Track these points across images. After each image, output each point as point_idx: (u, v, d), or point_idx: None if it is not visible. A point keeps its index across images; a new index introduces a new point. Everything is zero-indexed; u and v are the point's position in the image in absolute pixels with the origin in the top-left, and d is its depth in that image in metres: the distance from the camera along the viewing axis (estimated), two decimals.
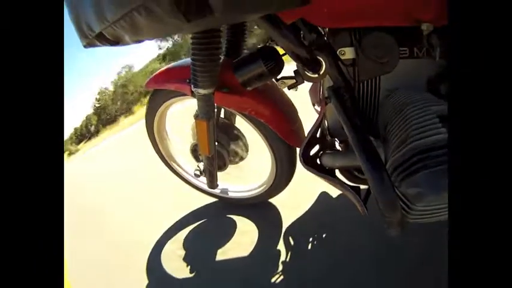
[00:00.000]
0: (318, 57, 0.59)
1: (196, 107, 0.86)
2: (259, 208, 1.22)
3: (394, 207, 0.47)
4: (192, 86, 0.79)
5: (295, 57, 0.59)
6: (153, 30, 0.48)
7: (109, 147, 7.06)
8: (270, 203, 1.22)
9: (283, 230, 1.07)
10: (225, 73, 0.80)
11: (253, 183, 1.23)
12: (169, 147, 1.32)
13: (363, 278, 0.80)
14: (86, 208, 2.31)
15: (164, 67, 1.00)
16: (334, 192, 1.14)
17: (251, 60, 0.71)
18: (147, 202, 1.80)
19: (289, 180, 1.09)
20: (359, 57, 0.59)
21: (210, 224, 1.27)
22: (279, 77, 0.72)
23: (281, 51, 0.69)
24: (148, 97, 1.14)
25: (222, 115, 1.07)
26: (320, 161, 0.73)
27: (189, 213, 1.38)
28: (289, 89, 0.71)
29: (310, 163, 0.69)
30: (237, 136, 1.08)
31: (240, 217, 1.22)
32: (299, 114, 0.98)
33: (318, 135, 0.72)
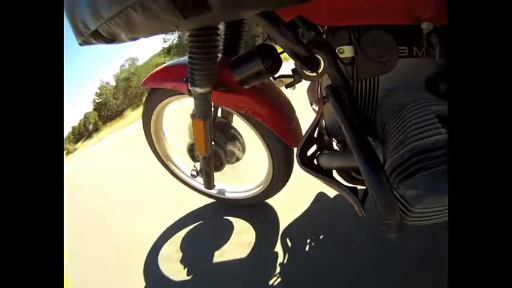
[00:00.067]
0: (317, 56, 0.58)
1: (193, 106, 0.85)
2: (256, 209, 1.21)
3: (393, 210, 0.47)
4: (189, 84, 0.78)
5: (294, 56, 0.58)
6: (149, 27, 0.48)
7: (107, 146, 7.05)
8: (267, 204, 1.22)
9: (281, 230, 1.06)
10: (223, 71, 0.79)
11: (250, 184, 1.22)
12: (166, 147, 1.31)
13: (362, 279, 0.79)
14: (85, 208, 2.30)
15: (161, 66, 0.99)
16: (332, 192, 1.14)
17: (249, 58, 0.71)
18: (145, 203, 1.79)
19: (287, 181, 1.09)
20: (358, 56, 0.59)
21: (207, 225, 1.27)
22: (276, 75, 0.71)
23: (279, 49, 0.68)
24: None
25: (219, 114, 1.07)
26: (317, 161, 0.72)
27: (186, 214, 1.37)
28: (286, 88, 0.70)
29: (307, 164, 0.68)
30: (234, 136, 1.07)
31: (237, 218, 1.21)
32: (296, 113, 0.97)
33: (315, 135, 0.71)
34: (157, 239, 1.28)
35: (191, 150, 1.11)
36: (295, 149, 0.97)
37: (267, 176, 1.09)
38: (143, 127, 1.21)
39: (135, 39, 0.54)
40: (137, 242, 1.33)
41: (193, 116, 0.87)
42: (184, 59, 0.90)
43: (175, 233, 1.27)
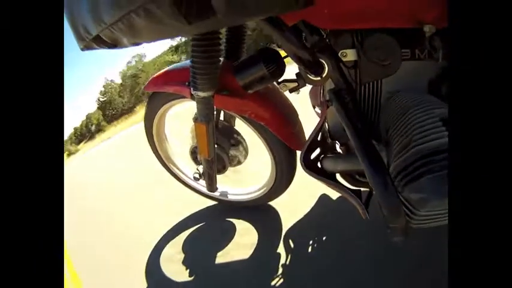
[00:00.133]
0: (321, 60, 0.58)
1: (195, 109, 0.85)
2: (258, 211, 1.21)
3: (398, 213, 0.46)
4: (191, 88, 0.78)
5: (298, 60, 0.58)
6: (152, 32, 0.48)
7: (109, 148, 7.05)
8: (270, 206, 1.22)
9: (283, 232, 1.06)
10: (225, 76, 0.79)
11: (252, 186, 1.22)
12: (169, 150, 1.31)
13: (362, 279, 0.80)
14: (86, 209, 2.31)
15: (163, 69, 0.99)
16: (334, 194, 1.14)
17: (252, 62, 0.71)
18: (147, 204, 1.79)
19: (289, 183, 1.09)
20: (361, 59, 0.58)
21: (209, 226, 1.27)
22: (280, 79, 0.71)
23: (283, 53, 0.68)
24: None
25: (221, 117, 1.07)
26: (321, 164, 0.72)
27: (188, 216, 1.38)
28: (290, 92, 0.70)
29: (311, 167, 0.68)
30: (236, 139, 1.07)
31: (239, 220, 1.21)
32: (299, 116, 0.97)
33: (318, 139, 0.71)
34: (159, 240, 1.29)
35: (194, 153, 1.11)
36: (298, 152, 0.97)
37: (269, 179, 1.09)
38: (145, 130, 1.21)
39: (137, 44, 0.54)
40: (139, 243, 1.33)
41: (195, 119, 0.87)
42: (186, 62, 0.90)
43: (177, 235, 1.27)
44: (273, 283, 0.88)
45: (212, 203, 1.36)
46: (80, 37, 0.56)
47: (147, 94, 1.07)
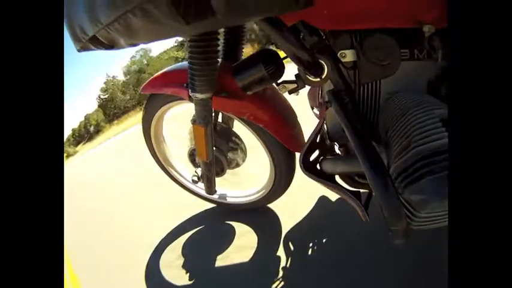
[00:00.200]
0: (320, 61, 0.57)
1: (193, 111, 0.85)
2: (257, 213, 1.21)
3: (399, 216, 0.46)
4: (189, 90, 0.77)
5: (297, 61, 0.58)
6: (149, 32, 0.47)
7: (109, 149, 7.03)
8: (269, 208, 1.21)
9: (283, 235, 1.06)
10: (224, 77, 0.79)
11: (251, 189, 1.21)
12: (167, 153, 1.30)
13: (362, 279, 0.80)
14: (85, 212, 2.29)
15: (160, 71, 0.99)
16: (333, 196, 1.14)
17: (251, 64, 0.70)
18: (145, 207, 1.78)
19: (288, 185, 1.08)
20: (360, 60, 0.58)
21: (209, 229, 1.26)
22: (279, 81, 0.71)
23: (282, 54, 0.68)
24: None
25: (219, 119, 1.06)
26: (320, 166, 0.72)
27: (187, 219, 1.37)
28: (290, 94, 0.69)
29: (310, 169, 0.67)
30: (235, 141, 1.07)
31: (239, 223, 1.20)
32: (298, 118, 0.96)
33: (317, 140, 0.71)
34: (158, 244, 1.28)
35: (192, 156, 1.10)
36: (297, 154, 0.97)
37: (268, 181, 1.09)
38: (143, 132, 1.20)
39: (134, 45, 0.54)
40: (138, 247, 1.32)
41: (194, 121, 0.86)
42: (184, 64, 0.90)
43: (176, 238, 1.27)
44: (273, 286, 0.88)
45: (211, 205, 1.35)
46: (77, 38, 0.56)
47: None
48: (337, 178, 0.74)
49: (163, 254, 1.20)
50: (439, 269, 0.71)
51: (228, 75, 0.77)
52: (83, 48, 0.59)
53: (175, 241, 1.25)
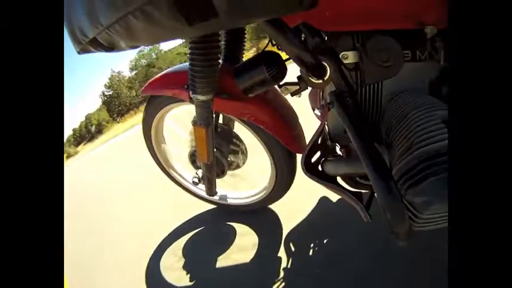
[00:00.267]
0: (323, 62, 0.57)
1: (194, 113, 0.84)
2: (258, 214, 1.21)
3: (402, 218, 0.46)
4: (190, 92, 0.77)
5: (300, 63, 0.57)
6: (150, 34, 0.47)
7: (109, 149, 7.02)
8: (270, 209, 1.21)
9: (283, 235, 1.05)
10: (225, 79, 0.79)
11: (252, 190, 1.21)
12: (167, 154, 1.30)
13: (363, 281, 0.79)
14: (84, 212, 2.29)
15: (161, 73, 0.99)
16: (334, 196, 1.13)
17: (253, 66, 0.70)
18: (146, 208, 1.78)
19: (289, 186, 1.08)
20: (362, 61, 0.58)
21: (209, 230, 1.26)
22: (281, 82, 0.70)
23: (284, 56, 0.67)
24: None
25: (220, 120, 1.06)
26: (322, 168, 0.71)
27: (188, 220, 1.37)
28: (292, 96, 0.69)
29: (312, 171, 0.67)
30: (236, 142, 1.06)
31: (239, 223, 1.20)
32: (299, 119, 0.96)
33: (319, 141, 0.70)
34: (159, 245, 1.27)
35: (192, 157, 1.10)
36: (297, 155, 0.96)
37: (269, 182, 1.08)
38: (144, 134, 1.20)
39: (135, 47, 0.53)
40: (138, 248, 1.32)
41: (194, 123, 0.86)
42: (184, 65, 0.89)
43: (177, 239, 1.27)
44: (274, 286, 0.88)
45: (211, 206, 1.35)
46: (77, 40, 0.55)
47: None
48: (338, 179, 0.74)
49: (164, 255, 1.20)
50: (439, 269, 0.71)
51: (228, 76, 0.76)
52: (83, 50, 0.58)
53: (176, 242, 1.25)
